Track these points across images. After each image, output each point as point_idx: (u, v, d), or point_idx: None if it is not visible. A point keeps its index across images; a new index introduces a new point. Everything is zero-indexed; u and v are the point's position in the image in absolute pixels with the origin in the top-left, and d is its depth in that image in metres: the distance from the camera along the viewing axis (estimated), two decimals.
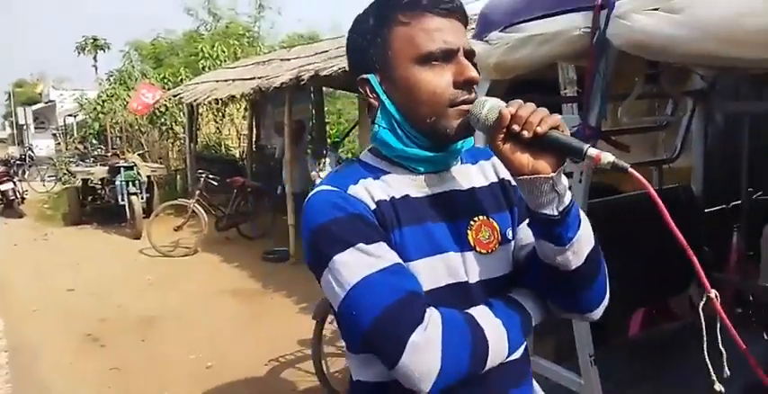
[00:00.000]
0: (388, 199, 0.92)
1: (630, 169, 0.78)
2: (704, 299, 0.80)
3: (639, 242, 1.99)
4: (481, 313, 0.90)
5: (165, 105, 11.33)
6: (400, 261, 0.88)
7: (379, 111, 0.95)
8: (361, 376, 0.98)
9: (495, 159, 1.03)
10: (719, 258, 3.20)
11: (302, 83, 5.83)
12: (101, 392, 3.62)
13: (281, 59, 8.50)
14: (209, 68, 12.39)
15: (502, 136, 0.85)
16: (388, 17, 0.92)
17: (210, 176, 7.80)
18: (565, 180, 0.87)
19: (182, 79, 12.11)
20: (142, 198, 8.43)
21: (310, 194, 0.94)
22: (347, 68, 1.03)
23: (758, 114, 2.53)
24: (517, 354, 0.97)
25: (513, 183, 0.99)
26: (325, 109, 10.94)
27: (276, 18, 23.20)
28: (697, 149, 2.38)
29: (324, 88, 9.48)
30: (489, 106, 0.86)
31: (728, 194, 2.91)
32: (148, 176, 8.91)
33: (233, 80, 8.40)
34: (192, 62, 13.09)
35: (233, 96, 7.92)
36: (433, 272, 0.92)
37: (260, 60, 9.65)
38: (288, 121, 6.60)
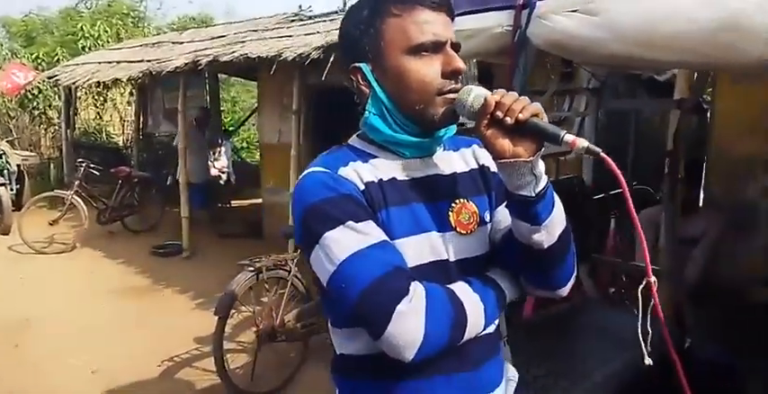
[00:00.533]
0: (376, 181, 0.98)
1: (602, 154, 0.85)
2: (644, 283, 0.88)
3: None
4: (461, 288, 0.96)
5: (39, 88, 10.29)
6: (387, 238, 0.94)
7: (369, 99, 1.01)
8: (345, 350, 1.04)
9: (475, 147, 1.12)
10: (601, 241, 3.49)
11: (199, 68, 5.55)
12: None
13: (173, 42, 8.04)
14: (90, 49, 11.40)
15: (486, 122, 0.91)
16: (381, 9, 0.97)
17: (92, 166, 7.21)
18: (542, 164, 0.94)
19: (58, 60, 11.02)
20: (11, 189, 7.60)
21: (302, 175, 0.99)
22: (339, 56, 1.08)
23: (641, 112, 2.80)
24: (491, 329, 1.04)
25: (492, 169, 1.08)
26: (220, 96, 10.51)
27: None
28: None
29: (219, 74, 9.11)
30: (475, 94, 0.92)
31: (612, 184, 3.19)
32: (18, 165, 8.03)
33: (117, 62, 7.80)
34: (69, 41, 11.95)
35: (117, 80, 7.35)
36: (417, 249, 0.98)
37: (148, 42, 9.05)
38: (182, 108, 6.24)
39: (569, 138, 0.85)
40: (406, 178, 1.01)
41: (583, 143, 0.85)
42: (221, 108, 10.61)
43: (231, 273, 3.38)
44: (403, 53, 0.96)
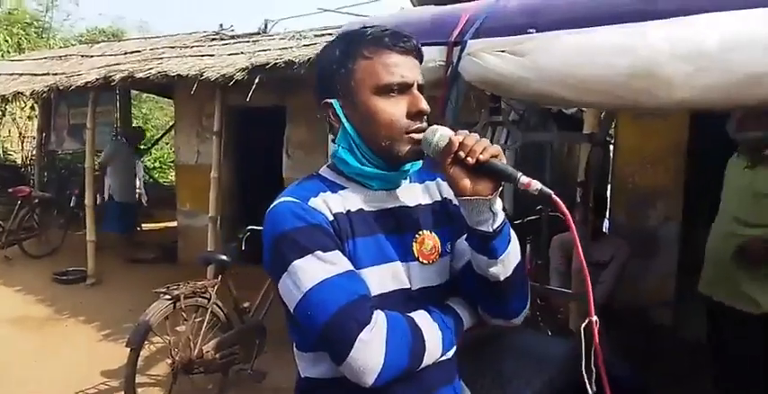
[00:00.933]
0: (344, 211, 1.03)
1: (554, 196, 0.93)
2: (586, 321, 0.94)
3: None
4: (421, 317, 1.02)
5: None
6: (353, 268, 0.99)
7: (339, 133, 1.06)
8: (310, 373, 1.08)
9: (438, 180, 1.18)
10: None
11: (112, 84, 5.30)
12: None
13: (82, 55, 7.65)
14: None
15: (449, 160, 0.97)
16: (353, 51, 1.03)
17: None
18: (499, 202, 1.00)
19: None
20: None
21: (274, 204, 1.03)
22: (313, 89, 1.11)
23: (539, 144, 2.98)
24: (448, 355, 1.08)
25: (454, 202, 1.13)
26: (132, 113, 10.05)
27: (73, 9, 20.91)
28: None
29: (131, 91, 8.74)
30: (440, 134, 0.98)
31: (529, 210, 3.36)
32: None
33: (20, 74, 7.30)
34: None
35: (19, 93, 6.86)
36: (381, 278, 1.03)
37: (55, 55, 8.55)
38: (90, 124, 5.92)
39: (525, 180, 0.92)
40: (373, 209, 1.06)
41: (537, 185, 0.92)
42: (133, 125, 10.16)
43: (143, 300, 3.22)
44: (372, 93, 1.01)
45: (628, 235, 4.04)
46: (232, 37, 6.73)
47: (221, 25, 7.39)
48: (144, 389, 3.38)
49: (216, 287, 3.39)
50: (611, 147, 4.91)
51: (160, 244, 7.00)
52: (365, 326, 0.93)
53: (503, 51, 1.30)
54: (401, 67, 1.02)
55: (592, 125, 2.52)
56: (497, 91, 1.44)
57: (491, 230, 0.99)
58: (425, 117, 1.04)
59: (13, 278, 5.96)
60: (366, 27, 1.05)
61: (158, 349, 3.68)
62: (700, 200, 4.51)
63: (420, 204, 1.12)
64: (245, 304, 3.64)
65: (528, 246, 3.84)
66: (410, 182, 1.14)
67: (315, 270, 0.96)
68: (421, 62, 1.07)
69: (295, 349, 1.11)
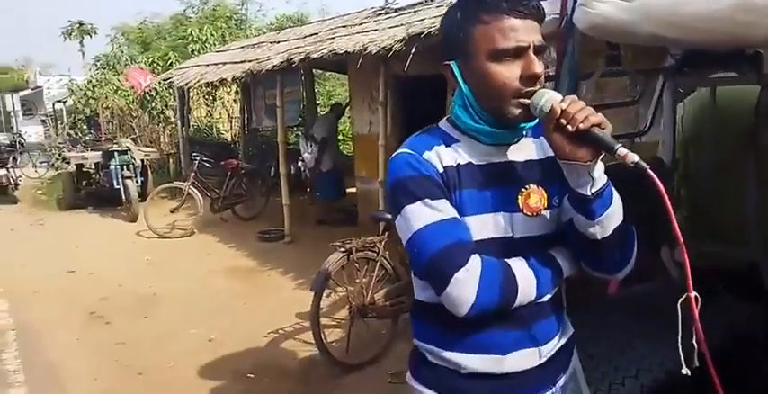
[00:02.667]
0: (454, 164, 1.13)
1: (649, 169, 0.94)
2: (683, 297, 0.96)
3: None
4: (517, 263, 1.12)
5: (156, 89, 11.33)
6: (457, 216, 1.10)
7: (456, 91, 1.15)
8: (421, 296, 1.24)
9: None
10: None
11: (293, 65, 5.91)
12: (108, 365, 3.79)
13: (271, 42, 8.52)
14: (198, 52, 12.34)
15: (552, 126, 1.01)
16: (472, 15, 1.08)
17: (204, 159, 7.91)
18: (600, 167, 1.03)
19: (171, 63, 12.06)
20: (137, 182, 8.49)
21: (394, 154, 1.15)
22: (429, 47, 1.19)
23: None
24: (544, 299, 1.18)
25: None
26: (316, 90, 10.99)
27: (264, 0, 23.07)
28: (667, 123, 2.55)
29: (314, 70, 9.53)
30: (546, 99, 1.02)
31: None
32: (142, 160, 8.96)
33: (223, 63, 8.43)
34: (180, 46, 13.02)
35: (223, 80, 7.97)
36: (483, 226, 1.13)
37: (249, 43, 9.65)
38: (280, 103, 6.68)
39: (622, 151, 0.94)
40: (482, 163, 1.14)
41: (633, 158, 0.93)
42: (317, 102, 11.10)
43: (328, 255, 3.64)
44: (487, 57, 1.06)
45: None
46: (396, 10, 6.99)
47: (387, 1, 7.69)
48: (329, 330, 3.89)
49: (383, 242, 3.73)
50: None
51: (342, 208, 7.71)
52: (461, 268, 1.05)
53: None
54: (518, 32, 1.03)
55: None
56: (610, 37, 1.44)
57: (589, 194, 1.03)
58: (539, 80, 1.06)
59: (227, 236, 7.11)
60: None
61: (340, 297, 4.17)
62: None
63: (531, 159, 1.17)
64: None
65: None
66: (526, 136, 1.18)
67: (423, 214, 1.07)
68: (542, 22, 1.08)
69: (412, 274, 1.25)
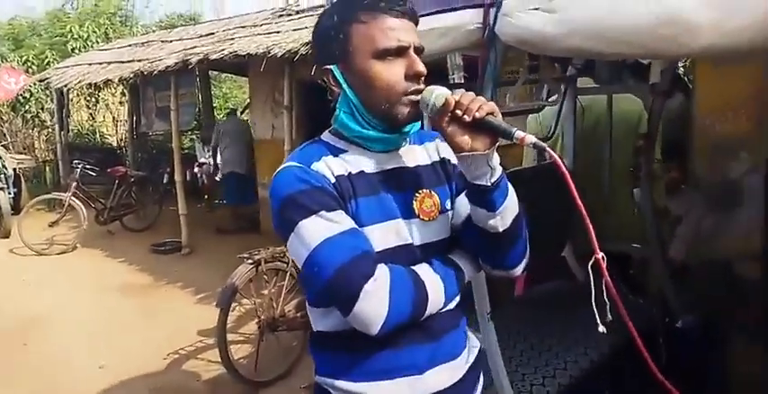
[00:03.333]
0: (346, 174, 1.07)
1: (548, 148, 0.96)
2: (593, 259, 0.97)
3: (527, 210, 2.21)
4: (423, 269, 1.08)
5: (30, 91, 10.34)
6: (356, 226, 1.04)
7: (340, 98, 1.10)
8: (320, 327, 1.15)
9: (437, 141, 1.21)
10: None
11: (189, 66, 5.62)
12: None
13: (162, 41, 8.09)
14: (80, 50, 11.40)
15: (447, 119, 1.00)
16: (349, 16, 1.05)
17: (88, 167, 7.29)
18: (497, 157, 1.03)
19: (48, 62, 11.04)
20: (9, 193, 7.67)
21: (278, 169, 1.07)
22: (313, 57, 1.15)
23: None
24: (452, 305, 1.15)
25: (452, 161, 1.18)
26: (212, 93, 10.56)
27: None
28: (568, 128, 2.68)
29: (210, 71, 9.16)
30: (437, 93, 1.02)
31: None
32: (14, 169, 8.12)
33: (108, 63, 7.86)
34: (58, 43, 11.94)
35: (109, 80, 7.42)
36: (384, 235, 1.08)
37: (138, 42, 9.09)
38: (174, 106, 6.32)
39: (519, 134, 0.95)
40: (374, 171, 1.10)
41: (531, 139, 0.95)
42: (213, 105, 10.67)
43: (231, 267, 3.48)
44: (370, 57, 1.04)
45: (709, 187, 3.86)
46: (298, 12, 6.88)
47: (287, 1, 7.55)
48: (236, 346, 3.70)
49: None
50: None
51: (244, 215, 7.44)
52: (369, 279, 0.98)
53: (536, 9, 1.31)
54: (397, 31, 1.03)
55: (656, 74, 2.43)
56: (534, 49, 1.46)
57: (489, 184, 1.03)
58: (423, 78, 1.06)
59: (116, 250, 6.60)
60: None
61: (247, 310, 3.97)
62: None
63: (419, 164, 1.16)
64: None
65: None
66: (410, 143, 1.17)
67: (320, 229, 1.00)
68: (416, 24, 1.09)
69: (307, 305, 1.17)
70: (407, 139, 1.16)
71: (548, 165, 2.67)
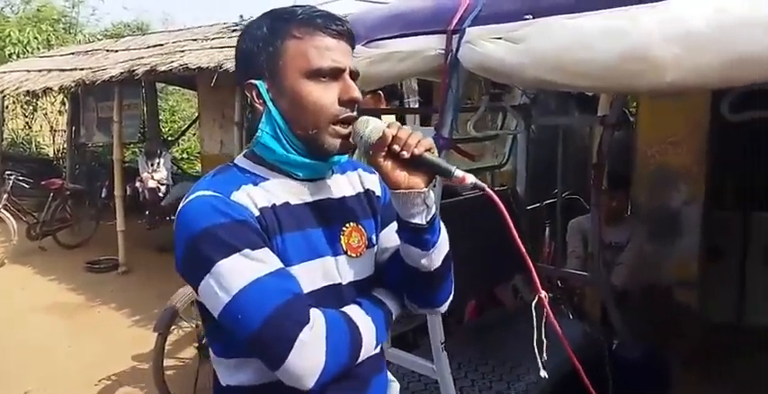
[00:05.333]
0: (269, 206, 0.96)
1: (487, 189, 0.93)
2: (536, 298, 0.96)
3: (472, 240, 2.21)
4: (355, 312, 0.99)
5: None
6: (283, 266, 0.93)
7: (263, 117, 0.99)
8: (232, 381, 1.00)
9: (360, 171, 1.14)
10: (536, 249, 3.65)
11: (136, 77, 5.42)
12: None
13: (107, 50, 7.80)
14: (18, 56, 10.88)
15: (383, 154, 0.94)
16: (282, 29, 0.96)
17: (21, 178, 6.89)
18: (432, 194, 0.98)
19: None
20: None
21: (188, 199, 0.94)
22: (235, 69, 1.05)
23: (566, 126, 2.98)
24: (378, 348, 1.07)
25: (376, 193, 1.13)
26: (159, 105, 10.25)
27: (98, 4, 21.20)
28: (520, 156, 2.73)
29: (157, 83, 8.90)
30: (372, 126, 0.94)
31: (545, 194, 3.37)
32: None
33: (48, 70, 7.50)
34: None
35: (48, 88, 7.07)
36: (312, 275, 0.98)
37: (82, 50, 8.74)
38: (117, 118, 6.08)
39: (459, 174, 0.91)
40: (300, 202, 1.00)
41: (471, 179, 0.91)
42: (160, 118, 10.36)
43: (171, 288, 3.31)
44: (301, 76, 0.95)
45: (650, 216, 4.01)
46: None
47: (241, 16, 7.45)
48: (173, 372, 3.51)
49: None
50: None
51: None
52: (304, 326, 0.88)
53: (500, 38, 1.32)
54: (333, 51, 0.95)
55: (604, 107, 2.50)
56: (496, 78, 1.46)
57: (424, 223, 0.97)
58: (356, 106, 0.98)
59: (47, 267, 6.21)
60: (296, 6, 0.98)
61: (187, 333, 3.80)
62: (724, 181, 4.44)
63: (345, 196, 1.08)
64: None
65: (547, 229, 3.84)
66: (333, 173, 1.08)
67: (243, 269, 0.88)
68: (353, 48, 1.01)
69: (213, 356, 1.03)
70: (333, 169, 1.08)
71: (501, 192, 2.70)
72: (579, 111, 4.87)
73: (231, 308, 0.88)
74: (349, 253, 1.03)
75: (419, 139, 0.93)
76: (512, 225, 0.92)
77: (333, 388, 0.94)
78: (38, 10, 12.83)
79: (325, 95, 0.95)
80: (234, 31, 6.75)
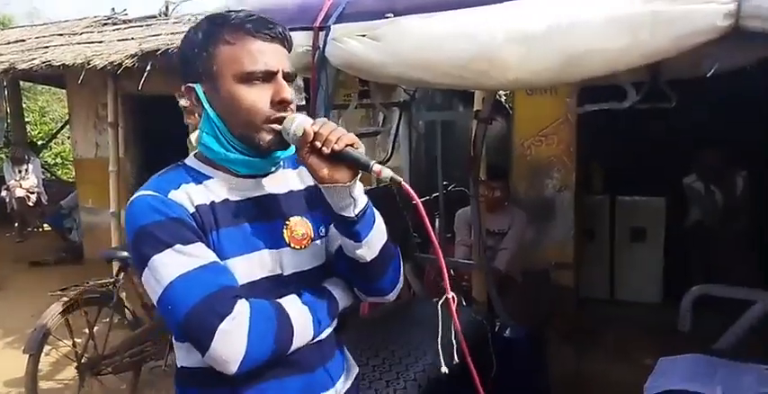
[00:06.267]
0: (207, 203, 1.03)
1: (403, 182, 0.98)
2: (443, 298, 1.00)
3: None
4: (289, 301, 1.04)
5: None
6: (216, 259, 0.99)
7: (203, 118, 1.05)
8: (185, 362, 1.09)
9: None
10: (424, 241, 3.77)
11: None
12: None
13: None
14: None
15: (307, 149, 0.98)
16: (215, 35, 1.01)
17: None
18: (359, 187, 1.02)
19: None
20: None
21: (132, 198, 1.01)
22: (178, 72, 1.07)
23: (449, 122, 3.11)
24: (324, 335, 1.11)
25: None
26: (24, 106, 9.36)
27: None
28: (403, 151, 2.80)
29: (21, 82, 8.13)
30: (297, 123, 0.99)
31: (430, 188, 3.49)
32: None
33: None
34: None
35: None
36: (249, 267, 1.03)
37: None
38: None
39: (377, 168, 0.95)
40: (240, 198, 1.06)
41: (387, 173, 0.96)
42: (27, 120, 9.48)
43: (45, 305, 3.06)
44: (234, 80, 1.00)
45: (528, 203, 4.27)
46: (125, 21, 6.40)
47: (113, 9, 7.00)
48: None
49: (119, 284, 3.29)
50: None
51: (63, 245, 6.64)
52: (225, 317, 0.94)
53: (363, 35, 1.34)
54: (265, 55, 1.00)
55: (479, 102, 2.63)
56: (361, 74, 1.49)
57: (353, 215, 1.01)
58: (289, 106, 1.03)
59: None
60: (231, 11, 1.03)
61: (65, 353, 3.52)
62: (591, 169, 4.85)
63: (292, 190, 1.13)
64: None
65: (436, 221, 3.98)
66: (284, 168, 1.14)
67: (174, 264, 0.95)
68: (289, 50, 1.06)
69: (173, 339, 1.11)
70: (280, 164, 1.13)
71: (385, 188, 2.75)
72: (463, 106, 5.08)
73: (163, 300, 0.96)
74: (292, 245, 1.08)
75: (340, 135, 0.97)
76: (426, 219, 0.98)
77: (270, 374, 1.02)
78: None
79: (257, 98, 1.00)
80: (105, 24, 6.34)
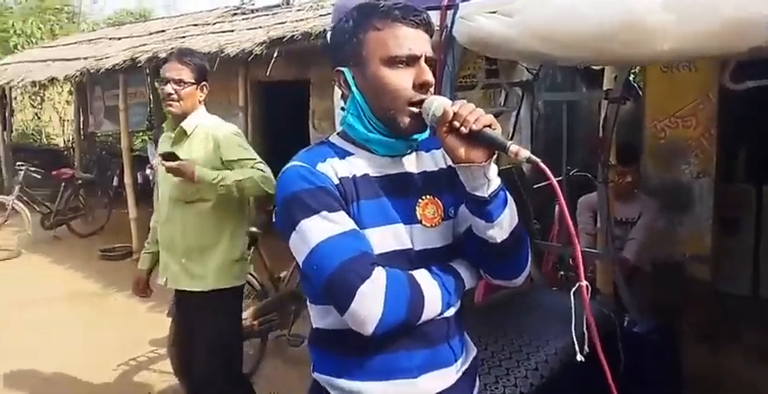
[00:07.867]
0: (350, 176, 1.10)
1: (540, 163, 0.97)
2: (576, 287, 0.98)
3: None
4: (421, 274, 1.09)
5: None
6: (357, 228, 1.06)
7: (348, 100, 1.12)
8: (319, 324, 1.17)
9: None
10: (544, 228, 3.63)
11: (138, 65, 5.41)
12: None
13: (110, 38, 7.81)
14: (23, 47, 10.91)
15: (445, 129, 1.02)
16: (365, 22, 1.09)
17: (32, 169, 6.95)
18: (494, 168, 1.04)
19: None
20: None
21: (284, 168, 1.10)
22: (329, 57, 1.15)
23: (572, 102, 2.94)
24: (450, 313, 1.15)
25: None
26: None
27: None
28: (524, 133, 2.69)
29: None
30: (437, 103, 1.03)
31: (553, 172, 3.33)
32: None
33: (53, 60, 7.51)
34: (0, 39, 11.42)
35: (54, 78, 7.09)
36: (383, 238, 1.09)
37: (85, 39, 8.75)
38: (123, 106, 6.08)
39: (514, 148, 0.95)
40: (378, 175, 1.12)
41: (525, 153, 0.95)
42: None
43: None
44: (380, 63, 1.07)
45: (660, 191, 3.96)
46: (252, 11, 6.73)
47: (242, 1, 7.39)
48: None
49: (249, 257, 3.51)
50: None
51: None
52: (366, 280, 1.00)
53: (494, 12, 1.29)
54: (410, 40, 1.06)
55: (610, 81, 2.46)
56: (488, 52, 1.44)
57: (486, 196, 1.04)
58: (430, 89, 1.08)
59: (63, 256, 6.29)
60: (379, 0, 1.11)
61: None
62: (734, 154, 4.37)
63: (425, 171, 1.17)
64: (282, 273, 3.77)
65: (556, 208, 3.81)
66: (417, 150, 1.19)
67: (321, 228, 1.03)
68: (431, 36, 1.11)
69: (308, 302, 1.19)
70: (415, 146, 1.18)
71: (506, 171, 2.67)
72: (586, 87, 4.80)
73: (309, 261, 1.04)
74: (423, 222, 1.13)
75: (478, 116, 0.99)
76: (562, 198, 0.98)
77: (399, 341, 1.08)
78: (40, 0, 12.81)
79: (401, 80, 1.06)
80: (234, 15, 6.71)
